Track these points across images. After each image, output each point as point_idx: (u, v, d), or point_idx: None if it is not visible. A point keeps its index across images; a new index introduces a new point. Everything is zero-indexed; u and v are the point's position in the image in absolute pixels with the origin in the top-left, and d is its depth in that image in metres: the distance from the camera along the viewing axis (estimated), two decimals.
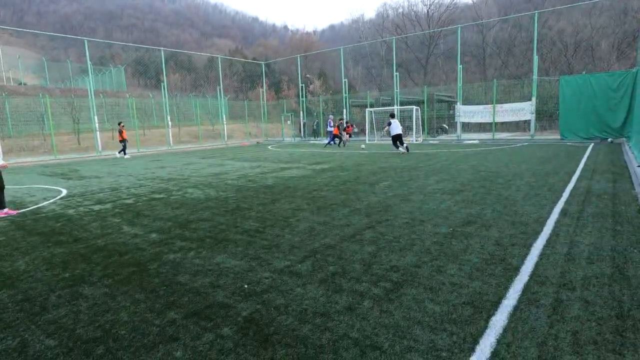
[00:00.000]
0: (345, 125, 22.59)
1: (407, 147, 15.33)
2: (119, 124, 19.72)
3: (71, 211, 6.67)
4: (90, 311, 2.90)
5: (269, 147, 24.04)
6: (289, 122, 34.77)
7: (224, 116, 30.29)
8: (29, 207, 7.24)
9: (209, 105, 35.02)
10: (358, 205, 6.11)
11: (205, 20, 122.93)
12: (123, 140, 19.30)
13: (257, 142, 30.61)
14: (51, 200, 7.81)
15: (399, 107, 25.06)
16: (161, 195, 7.84)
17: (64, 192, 8.92)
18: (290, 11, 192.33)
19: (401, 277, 3.27)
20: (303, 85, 33.67)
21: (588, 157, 11.32)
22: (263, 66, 38.27)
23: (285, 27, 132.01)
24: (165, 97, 26.11)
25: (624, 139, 17.10)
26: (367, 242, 4.22)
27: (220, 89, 30.81)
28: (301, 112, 32.74)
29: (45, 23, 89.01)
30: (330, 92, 44.56)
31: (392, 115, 16.31)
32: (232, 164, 13.86)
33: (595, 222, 4.63)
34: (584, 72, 21.80)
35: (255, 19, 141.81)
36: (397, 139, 15.33)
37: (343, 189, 7.57)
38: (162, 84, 26.61)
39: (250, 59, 57.69)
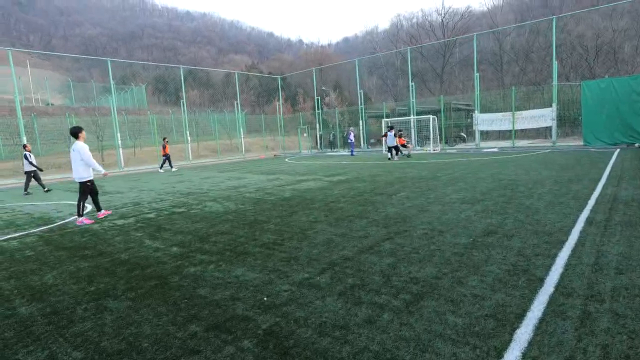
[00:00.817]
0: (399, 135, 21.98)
1: (408, 154, 18.39)
2: (164, 139, 20.60)
3: (96, 226, 6.86)
4: (115, 324, 2.96)
5: (286, 159, 24.23)
6: (305, 134, 35.02)
7: (241, 130, 30.78)
8: (56, 222, 7.49)
9: (226, 120, 35.68)
10: (375, 216, 6.08)
11: (222, 37, 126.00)
12: (166, 155, 20.08)
13: (275, 155, 30.92)
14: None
15: (415, 116, 24.95)
16: (181, 209, 7.99)
17: (89, 207, 9.19)
18: (305, 25, 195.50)
19: (421, 289, 3.22)
20: (319, 97, 33.96)
21: (614, 163, 10.98)
22: (279, 80, 38.86)
23: (300, 41, 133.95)
24: (184, 113, 26.77)
25: None
26: (385, 254, 4.19)
27: (237, 104, 31.39)
28: (317, 125, 32.96)
29: (71, 46, 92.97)
30: (346, 103, 44.74)
31: (391, 128, 18.86)
32: (250, 177, 14.03)
33: (623, 231, 4.47)
34: (606, 76, 21.28)
35: (271, 34, 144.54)
36: (393, 148, 17.94)
37: (360, 200, 7.55)
38: (181, 100, 27.31)
39: (266, 74, 58.69)
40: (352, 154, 23.81)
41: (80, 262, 4.69)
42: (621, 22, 39.77)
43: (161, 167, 20.33)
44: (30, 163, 13.15)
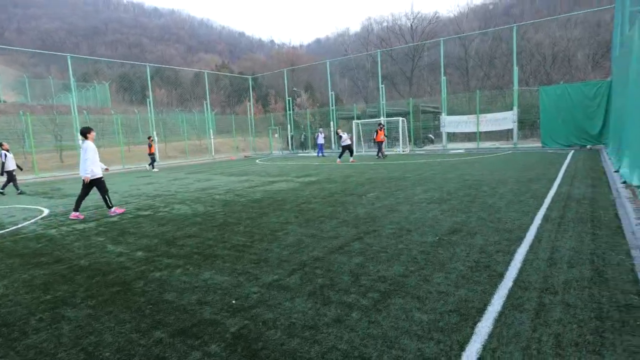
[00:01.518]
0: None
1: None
2: (149, 138, 20.67)
3: (53, 231, 6.55)
4: (73, 334, 2.84)
5: (257, 160, 24.03)
6: (276, 135, 34.84)
7: (211, 131, 30.24)
8: (8, 228, 7.08)
9: (195, 120, 34.92)
10: (346, 216, 6.14)
11: (191, 35, 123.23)
12: (152, 154, 20.26)
13: (245, 156, 30.58)
14: (32, 221, 7.65)
15: (385, 118, 25.38)
16: (147, 212, 7.76)
17: (46, 211, 8.76)
18: (276, 26, 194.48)
19: (389, 287, 3.29)
20: (290, 98, 33.90)
21: (568, 164, 11.61)
22: (250, 80, 38.49)
23: (272, 42, 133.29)
24: (151, 112, 26.00)
25: (602, 145, 17.59)
26: (355, 254, 4.25)
27: (207, 104, 30.82)
28: (289, 125, 32.89)
29: (26, 40, 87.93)
30: (318, 104, 44.91)
31: (343, 132, 19.57)
32: (220, 178, 13.81)
33: (575, 227, 4.74)
34: (562, 82, 22.48)
35: (242, 34, 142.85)
36: (346, 149, 18.10)
37: (331, 201, 7.61)
38: (147, 99, 26.51)
39: (237, 74, 57.96)
40: (321, 155, 23.97)
41: (34, 269, 4.46)
42: (575, 32, 42.15)
43: (152, 165, 20.41)
44: (2, 163, 12.39)
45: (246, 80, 41.82)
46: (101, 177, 7.69)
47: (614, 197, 6.38)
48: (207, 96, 31.75)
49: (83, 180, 7.49)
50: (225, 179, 13.30)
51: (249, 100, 37.48)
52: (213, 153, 30.26)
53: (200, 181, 13.21)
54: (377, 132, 19.30)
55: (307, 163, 19.08)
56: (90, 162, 7.44)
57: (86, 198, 7.79)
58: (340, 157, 18.19)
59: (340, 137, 18.54)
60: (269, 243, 4.91)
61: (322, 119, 34.08)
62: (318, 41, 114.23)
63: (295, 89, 48.09)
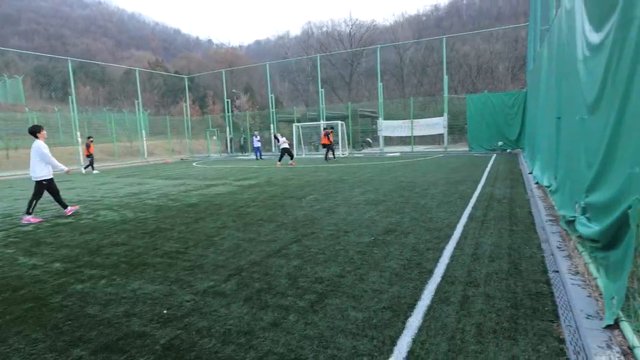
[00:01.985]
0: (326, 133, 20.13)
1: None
2: (88, 138, 19.14)
3: None
4: None
5: (194, 163, 23.13)
6: (214, 137, 33.81)
7: (143, 132, 28.55)
8: None
9: (126, 120, 32.75)
10: (285, 219, 6.13)
11: (121, 29, 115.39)
12: (90, 155, 18.75)
13: (182, 159, 29.28)
14: None
15: (324, 121, 25.76)
16: (68, 220, 7.11)
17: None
18: (215, 25, 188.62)
19: (326, 288, 3.33)
20: (229, 100, 33.12)
21: (491, 166, 12.65)
22: (186, 80, 36.99)
23: (210, 41, 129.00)
24: (74, 111, 23.90)
25: (520, 149, 19.44)
26: (293, 256, 4.25)
27: (139, 103, 29.05)
28: (227, 128, 32.11)
29: None
30: (257, 107, 44.39)
31: (281, 135, 19.40)
32: (153, 182, 13.08)
33: (496, 224, 5.17)
34: (485, 91, 24.45)
35: (178, 31, 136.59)
36: (285, 152, 18.07)
37: (270, 204, 7.54)
38: (70, 97, 24.36)
39: (172, 72, 55.37)
40: (259, 158, 23.77)
41: None
42: (497, 46, 46.17)
43: (88, 167, 19.08)
44: None
45: (182, 80, 40.11)
46: (47, 180, 7.36)
47: (528, 197, 7.06)
48: (139, 95, 29.94)
49: (40, 182, 7.20)
50: (158, 183, 12.63)
51: (185, 101, 35.98)
52: (146, 156, 28.58)
53: (131, 185, 12.40)
54: (327, 135, 19.74)
55: (246, 166, 18.76)
56: (47, 160, 7.18)
57: None
58: (280, 160, 18.23)
59: (277, 139, 18.71)
60: (205, 249, 4.74)
61: (262, 122, 33.74)
62: (258, 43, 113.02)
63: (234, 90, 47.10)
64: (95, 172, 19.18)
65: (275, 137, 18.96)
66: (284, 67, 59.08)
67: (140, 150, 29.01)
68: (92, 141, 19.13)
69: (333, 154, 20.17)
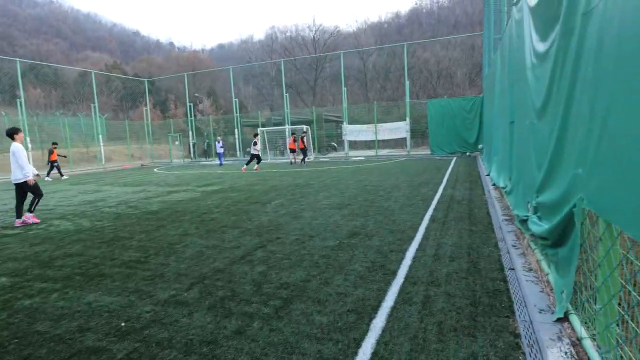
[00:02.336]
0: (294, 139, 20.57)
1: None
2: (53, 144, 18.66)
3: None
4: None
5: (155, 169, 22.38)
6: (177, 142, 32.87)
7: (100, 137, 27.30)
8: None
9: (81, 125, 31.18)
10: (249, 225, 6.04)
11: (75, 30, 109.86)
12: (54, 161, 18.19)
13: (142, 165, 28.24)
14: None
15: (290, 126, 25.74)
16: (16, 231, 6.67)
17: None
18: (176, 28, 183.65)
19: (291, 293, 3.31)
20: (192, 104, 32.37)
21: (452, 169, 13.11)
22: (146, 83, 35.78)
23: (171, 44, 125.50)
24: (23, 115, 22.48)
25: (478, 152, 20.29)
26: (257, 262, 4.19)
27: (95, 107, 27.75)
28: (190, 132, 31.34)
29: None
30: (221, 111, 43.69)
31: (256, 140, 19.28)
32: (111, 189, 12.52)
33: (456, 225, 5.36)
34: (445, 97, 25.38)
35: (137, 33, 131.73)
36: (255, 157, 18.08)
37: (234, 210, 7.42)
38: (18, 100, 22.90)
39: (131, 75, 53.37)
40: (220, 164, 23.27)
41: None
42: (455, 53, 48.08)
43: (60, 173, 18.57)
44: None
45: (142, 83, 38.76)
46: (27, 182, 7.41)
47: (486, 198, 7.37)
48: (95, 99, 28.63)
49: (23, 183, 7.26)
50: (117, 190, 12.11)
51: (146, 105, 34.78)
52: (103, 162, 27.34)
53: (87, 193, 11.81)
54: (300, 139, 19.95)
55: (210, 171, 18.38)
56: (21, 163, 7.15)
57: None
58: (247, 164, 18.12)
59: (255, 144, 18.66)
60: (166, 257, 4.58)
61: (226, 126, 33.20)
62: (221, 46, 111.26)
63: (197, 94, 46.11)
64: (64, 177, 18.97)
65: (255, 142, 18.75)
66: (248, 71, 58.53)
67: (98, 156, 27.72)
68: (56, 147, 18.60)
69: (303, 159, 20.14)
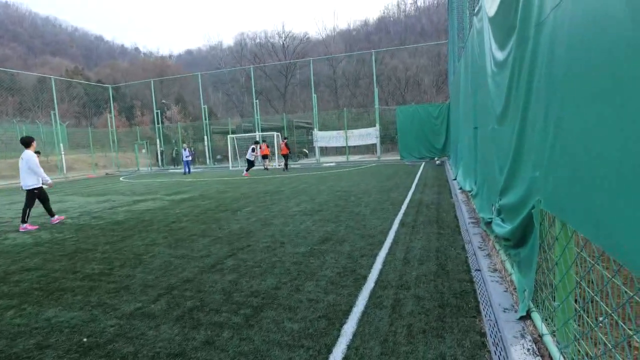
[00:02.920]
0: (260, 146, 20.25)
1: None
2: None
3: None
4: None
5: (121, 178, 21.63)
6: (144, 150, 31.93)
7: (61, 145, 26.12)
8: None
9: (41, 132, 29.72)
10: (219, 233, 5.94)
11: (33, 35, 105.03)
12: None
13: (107, 174, 27.21)
14: None
15: (260, 133, 25.59)
16: None
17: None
18: (142, 33, 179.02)
19: (261, 301, 3.28)
20: (159, 111, 31.59)
21: (421, 174, 13.42)
22: (110, 90, 34.63)
23: (137, 49, 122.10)
24: None
25: (446, 157, 20.89)
26: (228, 271, 4.12)
27: (55, 114, 26.55)
28: (158, 140, 30.54)
29: None
30: (190, 118, 42.89)
31: (256, 143, 19.71)
32: (73, 199, 11.98)
33: (425, 229, 5.48)
34: (413, 103, 26.04)
35: (100, 38, 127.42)
36: (251, 163, 18.42)
37: (204, 219, 7.27)
38: None
39: (94, 82, 51.50)
40: (186, 172, 21.96)
41: None
42: (422, 60, 49.46)
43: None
44: None
45: (106, 90, 37.46)
46: (37, 188, 7.68)
47: (453, 201, 7.58)
48: (56, 105, 27.40)
49: (30, 190, 7.52)
50: (80, 200, 11.60)
51: (110, 112, 33.63)
52: (65, 171, 26.13)
53: None
54: (283, 144, 19.90)
55: (179, 180, 17.96)
56: (35, 170, 7.47)
57: None
58: (247, 170, 18.22)
59: (254, 150, 18.76)
60: (132, 268, 4.43)
61: (195, 133, 32.60)
62: (190, 52, 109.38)
63: (164, 101, 45.08)
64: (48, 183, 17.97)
65: (253, 149, 18.68)
66: (217, 77, 57.84)
67: (59, 165, 26.47)
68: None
69: (286, 165, 20.02)
